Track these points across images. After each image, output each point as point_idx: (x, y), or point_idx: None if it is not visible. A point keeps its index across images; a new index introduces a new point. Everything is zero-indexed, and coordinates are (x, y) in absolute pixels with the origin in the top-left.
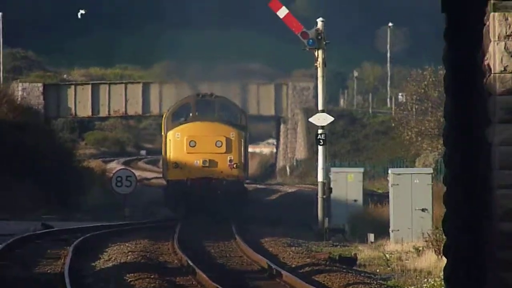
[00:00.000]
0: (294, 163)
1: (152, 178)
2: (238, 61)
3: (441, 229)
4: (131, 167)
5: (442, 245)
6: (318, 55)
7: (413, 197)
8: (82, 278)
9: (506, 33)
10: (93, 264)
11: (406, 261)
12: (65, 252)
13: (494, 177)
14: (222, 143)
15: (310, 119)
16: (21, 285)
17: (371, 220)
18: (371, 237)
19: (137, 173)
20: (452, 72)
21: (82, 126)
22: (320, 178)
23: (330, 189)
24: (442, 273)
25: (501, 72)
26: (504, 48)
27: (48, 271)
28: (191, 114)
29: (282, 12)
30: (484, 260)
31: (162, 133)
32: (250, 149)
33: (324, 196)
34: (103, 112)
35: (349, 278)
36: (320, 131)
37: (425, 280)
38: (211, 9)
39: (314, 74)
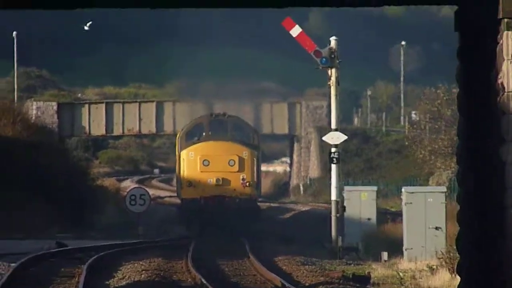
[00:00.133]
0: (308, 182)
1: (166, 197)
2: (252, 80)
3: (455, 247)
4: (145, 185)
5: (456, 263)
6: (331, 74)
7: (427, 215)
8: None
9: None
10: (107, 282)
11: (420, 280)
12: (79, 270)
13: (507, 196)
14: (235, 162)
15: (324, 138)
16: None
17: (384, 239)
18: (385, 255)
19: (151, 191)
20: (465, 91)
21: (96, 144)
22: (333, 196)
23: (344, 208)
24: None
25: None
26: None
27: None
28: (204, 134)
29: (295, 30)
30: (498, 279)
31: (176, 152)
32: (263, 168)
33: (338, 215)
34: (117, 131)
35: None
36: (333, 149)
37: None
38: (225, 28)
39: (328, 93)
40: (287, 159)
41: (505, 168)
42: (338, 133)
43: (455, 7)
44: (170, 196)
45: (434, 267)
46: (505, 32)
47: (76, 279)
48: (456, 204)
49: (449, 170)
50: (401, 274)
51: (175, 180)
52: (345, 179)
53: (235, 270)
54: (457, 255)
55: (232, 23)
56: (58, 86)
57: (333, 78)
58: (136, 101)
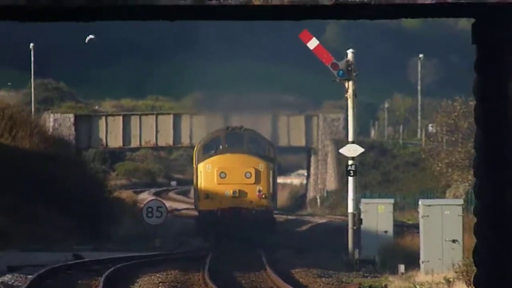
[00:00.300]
0: (325, 194)
1: (183, 209)
2: (269, 93)
3: (472, 259)
4: (161, 197)
5: (473, 276)
6: (348, 86)
7: (444, 228)
8: None
9: None
10: None
11: None
12: (96, 282)
13: None
14: (251, 174)
15: (341, 150)
16: None
17: (401, 251)
18: (402, 268)
19: (168, 203)
20: (482, 103)
21: (113, 156)
22: (350, 209)
23: (361, 220)
24: None
25: None
26: None
27: None
28: (221, 147)
29: (313, 43)
30: None
31: (194, 165)
32: (280, 180)
33: (355, 227)
34: (134, 143)
35: None
36: (350, 162)
37: None
38: (242, 41)
39: (345, 105)
40: (304, 172)
41: None
42: (355, 145)
43: (472, 20)
44: (187, 209)
45: (451, 279)
46: None
47: None
48: (473, 216)
49: (466, 182)
50: (418, 286)
51: (192, 192)
52: (362, 191)
53: (252, 282)
54: (474, 267)
55: (250, 36)
56: (75, 98)
57: (350, 91)
58: (153, 113)
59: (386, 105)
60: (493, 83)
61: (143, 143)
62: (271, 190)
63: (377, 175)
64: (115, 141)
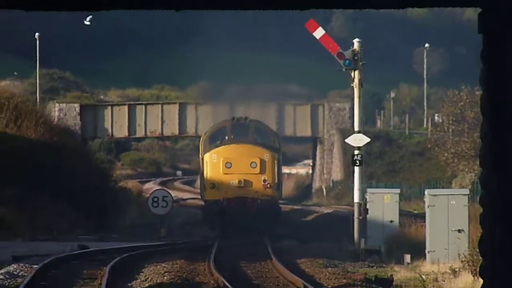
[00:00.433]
0: (331, 184)
1: (188, 199)
2: (275, 82)
3: (478, 250)
4: (167, 187)
5: (479, 266)
6: (354, 76)
7: (450, 218)
8: None
9: None
10: (129, 284)
11: (443, 282)
12: (101, 272)
13: None
14: (256, 164)
15: (347, 140)
16: None
17: (407, 241)
18: (407, 258)
19: (173, 193)
20: (488, 93)
21: (118, 146)
22: (356, 199)
23: (367, 210)
24: None
25: None
26: None
27: None
28: (226, 137)
29: (319, 32)
30: None
31: (200, 155)
32: (286, 170)
33: (360, 217)
34: (140, 133)
35: None
36: (356, 152)
37: None
38: (248, 30)
39: (350, 95)
40: (310, 162)
41: None
42: (361, 135)
43: (479, 9)
44: (193, 198)
45: (457, 269)
46: None
47: (99, 281)
48: (479, 206)
49: (472, 172)
50: (423, 276)
51: (197, 182)
52: (368, 181)
53: (257, 272)
54: (480, 257)
55: (255, 26)
56: (81, 87)
57: (356, 80)
58: (158, 103)
59: (392, 94)
60: (499, 72)
61: (148, 133)
62: (276, 180)
63: (383, 165)
64: (121, 131)
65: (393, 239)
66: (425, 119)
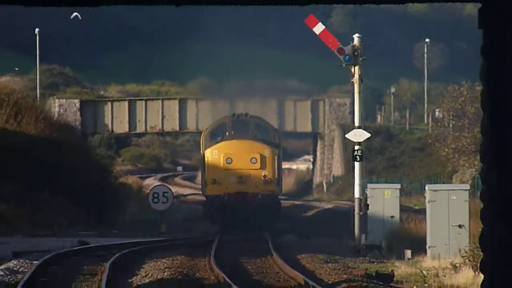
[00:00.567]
0: (331, 180)
1: (189, 195)
2: (275, 78)
3: (478, 245)
4: (167, 183)
5: (479, 261)
6: (354, 71)
7: (450, 213)
8: None
9: None
10: (130, 280)
11: (443, 278)
12: (102, 268)
13: None
14: (256, 160)
15: (347, 135)
16: None
17: (408, 236)
18: (408, 253)
19: (174, 189)
20: (489, 88)
21: (118, 142)
22: (356, 194)
23: (367, 205)
24: None
25: None
26: None
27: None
28: (227, 133)
29: (318, 28)
30: None
31: (201, 151)
32: (287, 166)
33: (361, 213)
34: (140, 129)
35: None
36: (356, 147)
37: None
38: (247, 26)
39: (351, 90)
40: (310, 157)
41: None
42: (361, 130)
43: (479, 5)
44: (193, 194)
45: (458, 265)
46: None
47: (99, 277)
48: (480, 202)
49: (472, 168)
50: (424, 272)
51: (198, 178)
52: (369, 176)
53: (258, 268)
54: (481, 253)
55: (255, 21)
56: (81, 83)
57: (356, 76)
58: (158, 99)
59: (393, 90)
60: (499, 67)
61: (148, 129)
62: (276, 175)
63: (384, 160)
64: (121, 126)
65: (393, 235)
66: (425, 115)
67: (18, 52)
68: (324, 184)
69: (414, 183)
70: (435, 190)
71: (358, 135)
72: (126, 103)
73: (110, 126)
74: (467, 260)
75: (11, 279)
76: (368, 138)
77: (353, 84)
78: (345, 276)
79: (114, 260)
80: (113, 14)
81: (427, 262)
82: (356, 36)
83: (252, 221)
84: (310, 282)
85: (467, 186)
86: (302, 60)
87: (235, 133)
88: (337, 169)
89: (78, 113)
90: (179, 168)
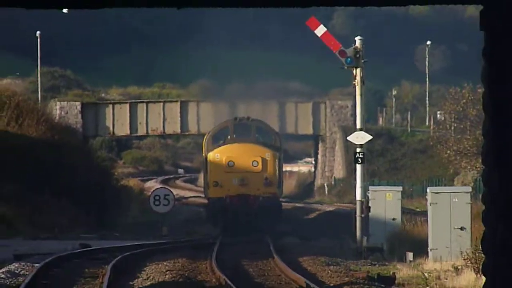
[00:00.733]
0: (333, 182)
1: (190, 197)
2: (276, 80)
3: (480, 247)
4: (169, 185)
5: (481, 264)
6: (356, 74)
7: (452, 215)
8: None
9: None
10: (131, 283)
11: (445, 280)
12: (103, 271)
13: None
14: (258, 163)
15: (348, 138)
16: None
17: (409, 239)
18: (410, 256)
19: (175, 191)
20: (490, 90)
21: (120, 145)
22: (358, 196)
23: (369, 208)
24: None
25: None
26: None
27: None
28: (229, 137)
29: (320, 30)
30: None
31: (203, 154)
32: (288, 168)
33: (363, 215)
34: (141, 131)
35: None
36: (358, 149)
37: None
38: (248, 29)
39: (352, 93)
40: (312, 159)
41: None
42: (363, 133)
43: (480, 7)
44: (195, 196)
45: (459, 267)
46: None
47: (100, 279)
48: (481, 204)
49: (474, 170)
50: (426, 274)
51: (199, 180)
52: (370, 179)
53: (259, 270)
54: (483, 255)
55: (257, 23)
56: (82, 86)
57: (358, 78)
58: (160, 101)
59: (394, 92)
60: (501, 70)
61: (150, 131)
62: (277, 178)
63: (385, 162)
64: (122, 129)
65: (395, 237)
66: (427, 117)
67: (19, 54)
68: (326, 187)
69: (416, 186)
70: (437, 193)
71: (360, 137)
72: (128, 105)
73: (111, 128)
74: (469, 263)
75: (12, 282)
76: (369, 141)
77: (354, 86)
78: (346, 278)
79: (115, 263)
80: (115, 16)
81: (429, 264)
82: (357, 38)
83: (254, 224)
84: (312, 285)
85: (469, 189)
86: (303, 62)
87: (237, 136)
88: (339, 172)
89: (79, 116)
90: (181, 171)
